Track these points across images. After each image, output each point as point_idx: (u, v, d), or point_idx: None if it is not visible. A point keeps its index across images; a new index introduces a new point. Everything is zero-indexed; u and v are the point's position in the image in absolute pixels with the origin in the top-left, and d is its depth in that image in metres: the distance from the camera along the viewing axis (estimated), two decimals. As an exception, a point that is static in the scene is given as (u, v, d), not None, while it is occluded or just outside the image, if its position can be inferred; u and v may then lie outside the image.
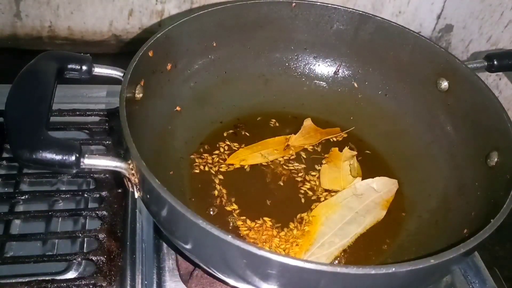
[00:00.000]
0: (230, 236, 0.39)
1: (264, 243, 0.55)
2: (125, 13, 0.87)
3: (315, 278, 0.40)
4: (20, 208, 0.59)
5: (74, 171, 0.43)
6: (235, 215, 0.58)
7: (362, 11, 0.68)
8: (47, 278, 0.52)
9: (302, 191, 0.62)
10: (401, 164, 0.66)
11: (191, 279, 0.55)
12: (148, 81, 0.57)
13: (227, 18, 0.66)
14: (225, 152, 0.65)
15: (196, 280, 0.55)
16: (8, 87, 0.46)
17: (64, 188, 0.64)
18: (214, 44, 0.67)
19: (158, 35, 0.57)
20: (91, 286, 0.52)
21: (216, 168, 0.63)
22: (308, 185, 0.63)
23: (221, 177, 0.62)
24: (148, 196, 0.46)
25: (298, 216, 0.59)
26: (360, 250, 0.56)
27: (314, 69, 0.73)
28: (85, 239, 0.57)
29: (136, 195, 0.47)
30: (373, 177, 0.63)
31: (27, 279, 0.51)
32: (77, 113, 0.69)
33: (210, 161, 0.63)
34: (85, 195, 0.62)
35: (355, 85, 0.72)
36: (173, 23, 0.60)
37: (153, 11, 0.88)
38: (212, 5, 0.64)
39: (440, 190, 0.61)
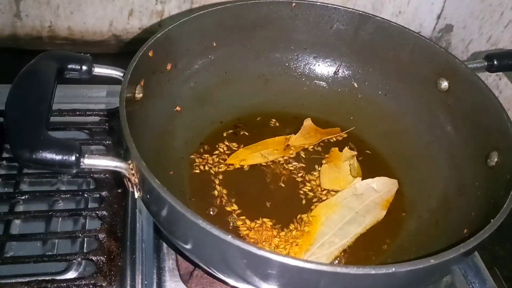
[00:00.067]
0: (230, 236, 0.39)
1: (264, 243, 0.55)
2: (125, 13, 0.87)
3: (315, 278, 0.40)
4: (20, 208, 0.59)
5: (74, 171, 0.43)
6: (235, 215, 0.58)
7: (362, 11, 0.68)
8: (47, 278, 0.52)
9: (302, 191, 0.62)
10: (401, 164, 0.66)
11: (191, 279, 0.55)
12: (148, 81, 0.57)
13: (227, 18, 0.66)
14: (225, 152, 0.65)
15: (196, 280, 0.55)
16: (8, 87, 0.46)
17: (64, 188, 0.64)
18: (214, 44, 0.67)
19: (158, 35, 0.57)
20: (91, 286, 0.52)
21: (216, 168, 0.63)
22: (308, 185, 0.63)
23: (221, 177, 0.62)
24: (148, 196, 0.46)
25: (298, 216, 0.59)
26: (360, 250, 0.56)
27: (314, 69, 0.73)
28: (85, 239, 0.57)
29: (136, 195, 0.47)
30: (373, 177, 0.63)
31: (27, 279, 0.51)
32: (77, 113, 0.69)
33: (210, 161, 0.63)
34: (85, 195, 0.62)
35: (355, 85, 0.72)
36: (173, 23, 0.60)
37: (153, 11, 0.88)
38: (212, 5, 0.64)
39: (440, 190, 0.61)
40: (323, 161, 0.66)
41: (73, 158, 0.42)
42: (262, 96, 0.72)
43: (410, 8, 0.96)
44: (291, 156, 0.66)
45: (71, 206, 0.62)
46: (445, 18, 0.97)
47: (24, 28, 0.85)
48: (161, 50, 0.59)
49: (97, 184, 0.62)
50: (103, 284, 0.52)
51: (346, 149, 0.67)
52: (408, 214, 0.61)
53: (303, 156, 0.66)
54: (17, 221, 0.59)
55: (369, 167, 0.65)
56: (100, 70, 0.54)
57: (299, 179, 0.63)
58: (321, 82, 0.73)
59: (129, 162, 0.45)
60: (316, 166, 0.65)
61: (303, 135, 0.68)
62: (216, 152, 0.65)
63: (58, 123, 0.68)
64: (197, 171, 0.62)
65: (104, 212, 0.59)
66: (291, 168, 0.64)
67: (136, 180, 0.46)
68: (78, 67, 0.52)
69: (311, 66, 0.73)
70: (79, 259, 0.54)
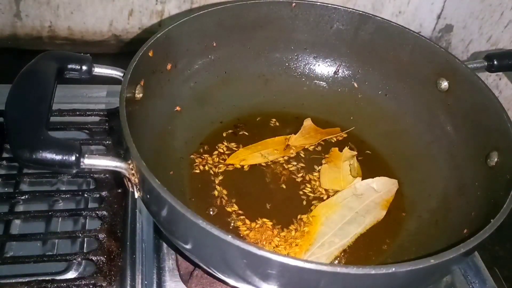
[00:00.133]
0: (230, 236, 0.39)
1: (264, 243, 0.55)
2: (125, 13, 0.87)
3: (315, 278, 0.40)
4: (20, 208, 0.59)
5: (74, 171, 0.43)
6: (235, 215, 0.58)
7: (362, 11, 0.68)
8: (47, 278, 0.52)
9: (302, 191, 0.62)
10: (401, 164, 0.66)
11: (191, 279, 0.55)
12: (148, 81, 0.57)
13: (227, 18, 0.66)
14: (225, 152, 0.65)
15: (196, 280, 0.55)
16: (8, 87, 0.46)
17: (64, 188, 0.64)
18: (214, 44, 0.67)
19: (158, 35, 0.57)
20: (91, 286, 0.52)
21: (216, 168, 0.63)
22: (308, 185, 0.63)
23: (221, 177, 0.62)
24: (148, 196, 0.46)
25: (298, 216, 0.59)
26: (360, 250, 0.56)
27: (314, 69, 0.73)
28: (85, 239, 0.57)
29: (136, 195, 0.47)
30: (373, 177, 0.63)
31: (27, 279, 0.51)
32: (77, 113, 0.69)
33: (210, 161, 0.63)
34: (85, 195, 0.62)
35: (355, 85, 0.72)
36: (173, 23, 0.60)
37: (153, 11, 0.88)
38: (212, 5, 0.64)
39: (440, 190, 0.61)
40: (323, 161, 0.66)
41: (73, 158, 0.42)
42: (262, 96, 0.72)
43: (410, 8, 0.96)
44: (291, 156, 0.66)
45: (71, 206, 0.62)
46: (445, 18, 0.97)
47: (24, 28, 0.85)
48: (161, 50, 0.59)
49: (97, 184, 0.62)
50: (103, 284, 0.52)
51: (346, 149, 0.67)
52: (408, 214, 0.61)
53: (303, 156, 0.66)
54: (17, 221, 0.59)
55: (369, 167, 0.65)
56: (100, 70, 0.54)
57: (299, 179, 0.63)
58: (321, 82, 0.73)
59: (129, 162, 0.45)
60: (316, 166, 0.65)
61: (303, 135, 0.68)
62: (216, 152, 0.65)
63: (58, 123, 0.68)
64: (197, 171, 0.62)
65: (104, 212, 0.59)
66: (291, 168, 0.64)
67: (136, 180, 0.46)
68: (78, 67, 0.52)
69: (311, 66, 0.73)
70: (79, 259, 0.54)
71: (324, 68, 0.73)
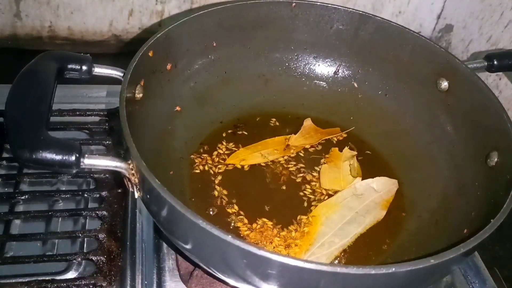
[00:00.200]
0: (230, 236, 0.39)
1: (264, 243, 0.55)
2: (125, 13, 0.87)
3: (315, 278, 0.40)
4: (20, 208, 0.59)
5: (74, 171, 0.43)
6: (235, 215, 0.58)
7: (362, 11, 0.68)
8: (47, 278, 0.52)
9: (302, 191, 0.62)
10: (401, 164, 0.66)
11: (191, 279, 0.55)
12: (148, 81, 0.57)
13: (227, 18, 0.66)
14: (225, 152, 0.65)
15: (196, 280, 0.55)
16: (8, 87, 0.46)
17: (64, 188, 0.64)
18: (214, 44, 0.67)
19: (158, 35, 0.57)
20: (91, 286, 0.52)
21: (216, 168, 0.63)
22: (308, 185, 0.63)
23: (221, 177, 0.62)
24: (148, 196, 0.46)
25: (298, 216, 0.59)
26: (360, 250, 0.56)
27: (314, 69, 0.73)
28: (85, 239, 0.57)
29: (136, 195, 0.47)
30: (373, 177, 0.63)
31: (27, 279, 0.51)
32: (77, 113, 0.69)
33: (210, 161, 0.63)
34: (85, 195, 0.62)
35: (355, 85, 0.72)
36: (173, 23, 0.60)
37: (153, 11, 0.88)
38: (212, 5, 0.64)
39: (440, 190, 0.61)
40: (323, 161, 0.66)
41: (73, 158, 0.42)
42: (262, 96, 0.72)
43: (410, 8, 0.97)
44: (291, 156, 0.66)
45: (71, 206, 0.62)
46: (445, 18, 0.97)
47: (24, 28, 0.85)
48: (161, 50, 0.59)
49: (97, 184, 0.62)
50: (103, 284, 0.52)
51: (346, 149, 0.67)
52: (408, 214, 0.61)
53: (303, 156, 0.66)
54: (17, 221, 0.59)
55: (369, 167, 0.65)
56: (100, 70, 0.54)
57: (299, 179, 0.63)
58: (321, 82, 0.73)
59: (129, 162, 0.45)
60: (316, 166, 0.65)
61: (303, 135, 0.68)
62: (216, 152, 0.65)
63: (58, 123, 0.68)
64: (197, 171, 0.62)
65: (104, 212, 0.59)
66: (291, 168, 0.64)
67: (136, 180, 0.46)
68: (78, 67, 0.52)
69: (311, 66, 0.73)
70: (79, 259, 0.54)
71: (324, 68, 0.73)
